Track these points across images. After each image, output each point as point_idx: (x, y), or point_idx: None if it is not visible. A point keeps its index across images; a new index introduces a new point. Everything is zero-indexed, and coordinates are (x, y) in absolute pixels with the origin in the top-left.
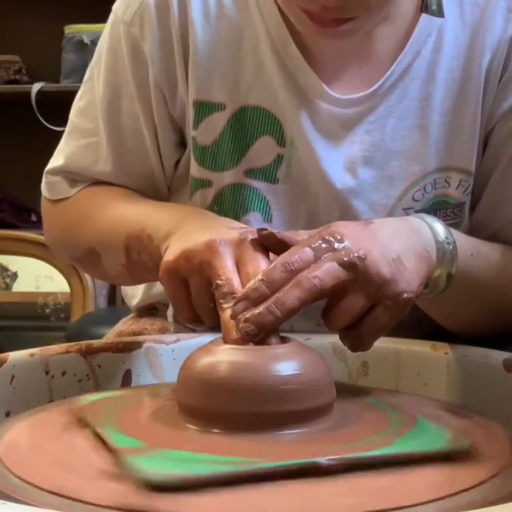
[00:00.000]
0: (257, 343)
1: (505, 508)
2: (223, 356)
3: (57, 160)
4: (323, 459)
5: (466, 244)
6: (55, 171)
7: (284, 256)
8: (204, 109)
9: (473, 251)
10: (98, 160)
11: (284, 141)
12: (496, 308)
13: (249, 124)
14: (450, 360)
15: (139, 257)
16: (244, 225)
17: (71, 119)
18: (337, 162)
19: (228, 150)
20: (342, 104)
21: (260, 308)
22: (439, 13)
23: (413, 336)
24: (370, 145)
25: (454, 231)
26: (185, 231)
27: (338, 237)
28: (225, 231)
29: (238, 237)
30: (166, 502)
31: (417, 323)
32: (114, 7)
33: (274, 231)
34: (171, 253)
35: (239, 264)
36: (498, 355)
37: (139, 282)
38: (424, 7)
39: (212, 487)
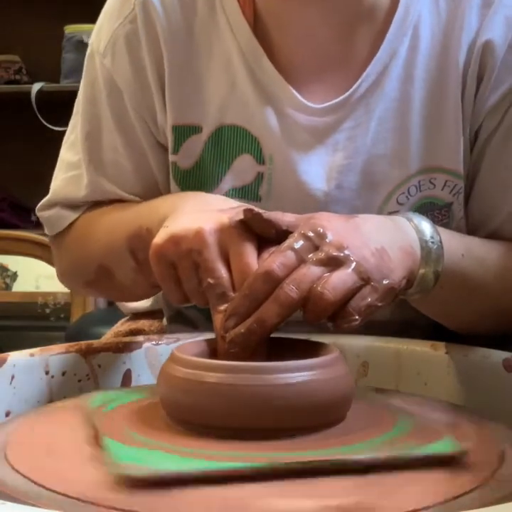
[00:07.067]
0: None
1: (506, 508)
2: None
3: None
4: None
5: (457, 245)
6: (44, 206)
7: (267, 263)
8: (182, 133)
9: (465, 252)
10: (79, 191)
11: (263, 159)
12: (495, 310)
13: (228, 143)
14: (450, 360)
15: (146, 254)
16: (237, 204)
17: (60, 153)
18: (318, 173)
19: (209, 171)
20: (320, 113)
21: (242, 329)
22: None
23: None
24: (353, 151)
25: (443, 231)
26: (176, 215)
27: (321, 231)
28: (215, 216)
29: (228, 222)
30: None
31: (419, 326)
32: (91, 39)
33: (260, 212)
34: (160, 235)
35: (229, 255)
36: (498, 355)
37: (155, 285)
38: None
39: (182, 484)
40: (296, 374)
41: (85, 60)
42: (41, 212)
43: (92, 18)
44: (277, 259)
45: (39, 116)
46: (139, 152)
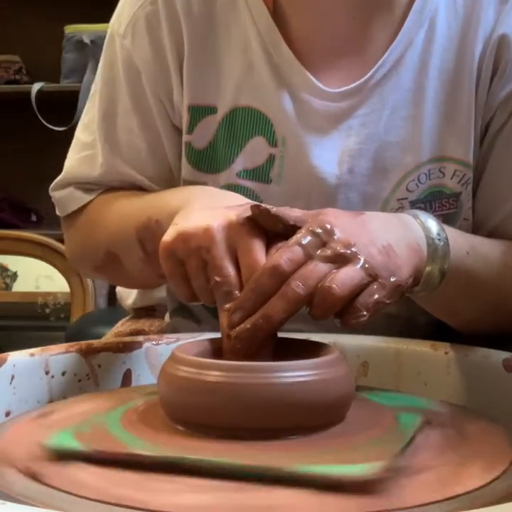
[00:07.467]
0: (250, 356)
1: (506, 509)
2: (233, 378)
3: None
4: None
5: (462, 242)
6: (58, 185)
7: (274, 258)
8: (198, 113)
9: (470, 249)
10: (94, 170)
11: (276, 141)
12: (496, 308)
13: (241, 125)
14: (450, 360)
15: (155, 246)
16: (246, 200)
17: (75, 134)
18: (331, 157)
19: (222, 152)
20: (335, 98)
21: (248, 325)
22: None
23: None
24: (365, 137)
25: (448, 229)
26: (186, 211)
27: (328, 228)
28: (223, 214)
29: (235, 220)
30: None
31: (423, 322)
32: (111, 21)
33: (268, 207)
34: (169, 233)
35: (237, 252)
36: (498, 355)
37: (162, 276)
38: None
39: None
40: (296, 374)
41: (105, 42)
42: (54, 192)
43: (92, 18)
44: (284, 254)
45: (39, 116)
46: (154, 133)
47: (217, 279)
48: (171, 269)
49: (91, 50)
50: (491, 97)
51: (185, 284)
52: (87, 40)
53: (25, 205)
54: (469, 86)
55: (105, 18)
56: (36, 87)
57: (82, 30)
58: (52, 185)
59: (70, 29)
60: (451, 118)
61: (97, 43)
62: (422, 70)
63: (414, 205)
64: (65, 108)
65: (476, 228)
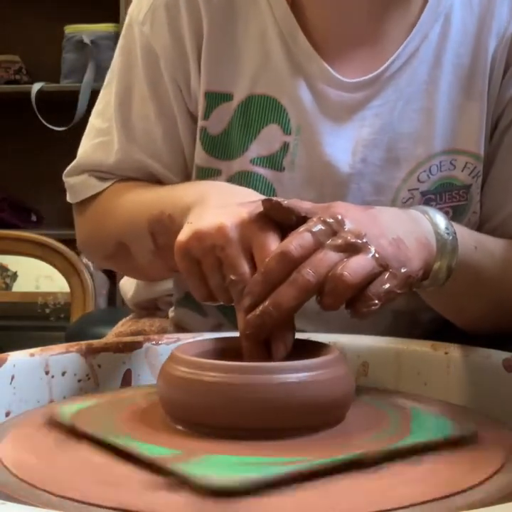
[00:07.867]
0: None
1: (506, 508)
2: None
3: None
4: (365, 452)
5: (469, 238)
6: (72, 171)
7: (284, 244)
8: (214, 99)
9: (477, 244)
10: (109, 157)
11: (290, 129)
12: (501, 305)
13: (256, 112)
14: (450, 360)
15: (167, 239)
16: (257, 197)
17: (89, 121)
18: (344, 146)
19: (236, 139)
20: (350, 88)
21: (258, 311)
22: None
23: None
24: (379, 128)
25: (456, 225)
26: (200, 209)
27: (339, 218)
28: (236, 211)
29: (248, 217)
30: (238, 507)
31: (426, 322)
32: (130, 9)
33: (279, 200)
34: (184, 232)
35: (251, 248)
36: (498, 355)
37: (172, 269)
38: None
39: (276, 488)
40: (296, 374)
41: (122, 31)
42: (68, 178)
43: (92, 18)
44: (294, 240)
45: (39, 116)
46: (170, 120)
47: (233, 277)
48: (187, 268)
49: (91, 50)
50: (502, 94)
51: (203, 283)
52: (87, 40)
53: (25, 205)
54: (483, 81)
55: (105, 18)
56: (36, 87)
57: (82, 30)
58: (65, 171)
59: (70, 29)
60: (464, 111)
61: (97, 43)
62: (436, 64)
63: (425, 195)
64: (65, 108)
65: (480, 224)
